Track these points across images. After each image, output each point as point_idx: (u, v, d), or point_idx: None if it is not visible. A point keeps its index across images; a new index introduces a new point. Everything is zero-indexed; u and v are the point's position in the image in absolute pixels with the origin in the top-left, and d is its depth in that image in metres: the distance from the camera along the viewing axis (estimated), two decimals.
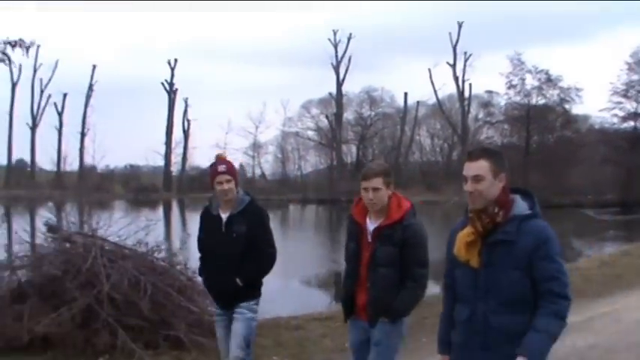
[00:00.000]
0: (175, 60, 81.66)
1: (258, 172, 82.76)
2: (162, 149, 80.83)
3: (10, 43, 14.53)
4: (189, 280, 9.37)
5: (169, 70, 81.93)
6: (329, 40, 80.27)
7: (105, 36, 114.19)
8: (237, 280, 6.18)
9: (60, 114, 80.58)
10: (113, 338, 8.29)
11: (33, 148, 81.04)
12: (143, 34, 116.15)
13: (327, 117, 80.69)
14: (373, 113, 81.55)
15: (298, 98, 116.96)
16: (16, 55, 14.91)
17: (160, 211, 57.05)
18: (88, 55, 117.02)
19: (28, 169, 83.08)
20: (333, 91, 79.84)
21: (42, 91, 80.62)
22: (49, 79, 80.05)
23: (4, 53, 14.53)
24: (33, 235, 10.52)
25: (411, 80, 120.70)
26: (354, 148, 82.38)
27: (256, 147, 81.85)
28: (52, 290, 8.80)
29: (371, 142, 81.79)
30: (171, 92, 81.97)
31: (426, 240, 5.43)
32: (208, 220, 6.45)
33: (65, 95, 79.96)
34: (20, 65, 74.29)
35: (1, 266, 9.66)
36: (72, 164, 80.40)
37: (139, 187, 73.79)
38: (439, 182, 70.42)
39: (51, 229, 10.51)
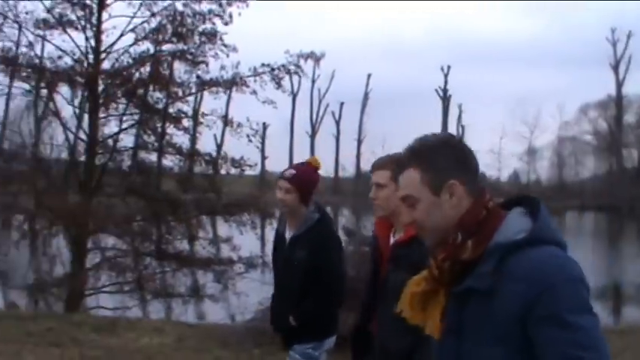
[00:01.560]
0: (448, 66, 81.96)
1: (533, 177, 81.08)
2: None
3: (302, 55, 15.40)
4: None
5: (442, 77, 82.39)
6: (606, 39, 76.79)
7: (379, 44, 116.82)
8: (290, 319, 5.06)
9: (337, 122, 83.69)
10: None
11: (312, 155, 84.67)
12: (416, 41, 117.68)
13: (606, 120, 77.30)
14: None
15: (575, 101, 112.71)
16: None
17: None
18: (362, 65, 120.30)
19: None
20: (613, 92, 76.28)
21: (320, 101, 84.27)
22: (327, 89, 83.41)
23: (297, 66, 15.40)
24: None
25: None
26: (635, 153, 78.23)
27: (531, 152, 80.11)
28: (352, 289, 9.17)
29: None
30: (445, 98, 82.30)
31: None
32: (277, 239, 5.40)
33: (342, 104, 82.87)
34: (300, 77, 77.99)
35: None
36: (348, 170, 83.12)
37: None
38: None
39: (349, 232, 10.97)
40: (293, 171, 5.10)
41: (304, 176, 5.11)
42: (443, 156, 2.37)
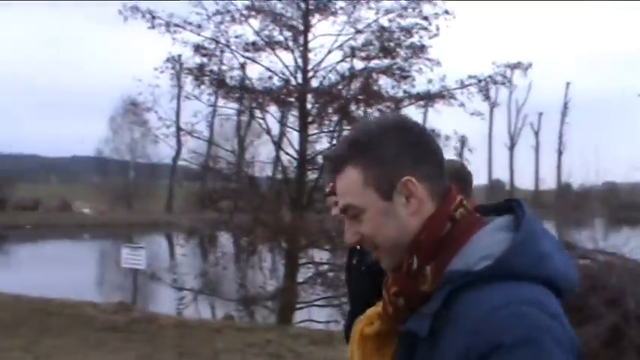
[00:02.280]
0: None
1: None
2: None
3: (509, 66, 15.14)
4: None
5: None
6: None
7: (577, 51, 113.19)
8: None
9: (536, 133, 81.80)
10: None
11: (511, 167, 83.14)
12: (617, 46, 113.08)
13: None
14: None
15: None
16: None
17: None
18: (560, 73, 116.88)
19: (506, 188, 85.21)
20: None
21: (518, 112, 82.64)
22: (525, 100, 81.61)
23: (504, 76, 15.15)
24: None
25: None
26: None
27: None
28: (575, 305, 8.86)
29: None
30: None
31: None
32: (349, 253, 5.12)
33: (540, 114, 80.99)
34: (497, 87, 76.80)
35: None
36: (550, 182, 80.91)
37: (618, 205, 71.46)
38: None
39: (568, 246, 10.65)
40: (330, 183, 4.68)
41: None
42: (392, 144, 1.70)
